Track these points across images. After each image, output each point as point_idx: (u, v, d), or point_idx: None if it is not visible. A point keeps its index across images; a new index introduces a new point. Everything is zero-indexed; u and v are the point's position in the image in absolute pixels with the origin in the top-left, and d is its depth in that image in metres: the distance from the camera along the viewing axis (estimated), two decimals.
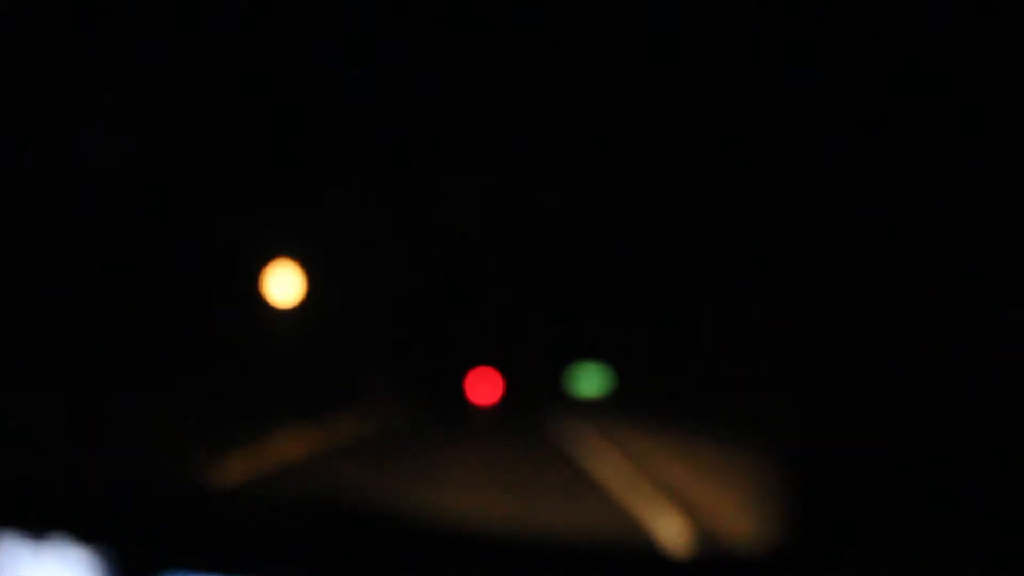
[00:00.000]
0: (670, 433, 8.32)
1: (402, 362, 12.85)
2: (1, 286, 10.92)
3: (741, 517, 4.93)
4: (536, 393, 12.01)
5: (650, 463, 7.41)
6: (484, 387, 12.30)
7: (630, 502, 5.75)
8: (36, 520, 1.08)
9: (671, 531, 4.81)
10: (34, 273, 11.37)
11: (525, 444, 9.02)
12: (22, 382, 9.26)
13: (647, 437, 8.53)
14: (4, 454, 1.27)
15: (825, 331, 1.89)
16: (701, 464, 6.83)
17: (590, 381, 12.31)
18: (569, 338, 12.32)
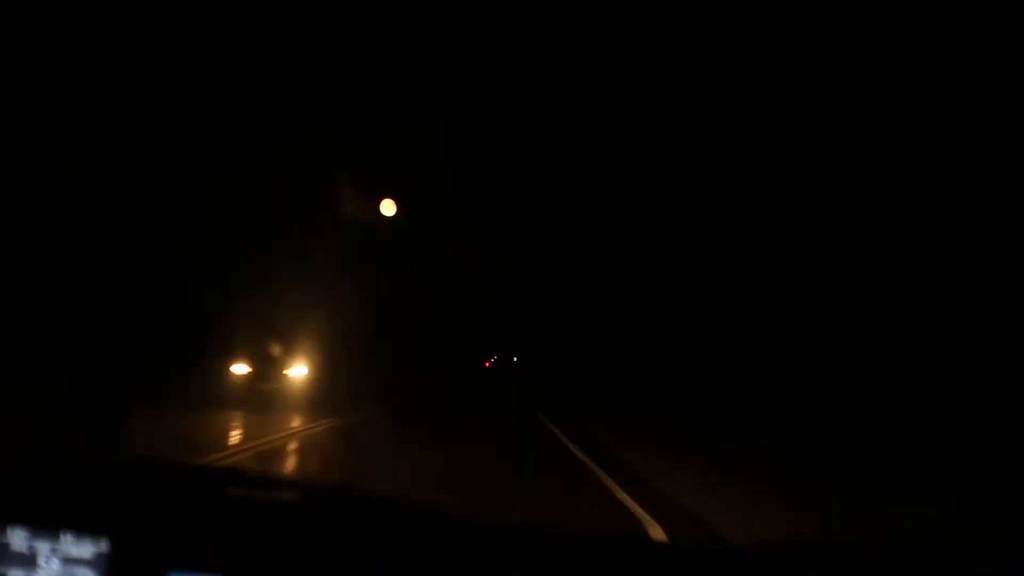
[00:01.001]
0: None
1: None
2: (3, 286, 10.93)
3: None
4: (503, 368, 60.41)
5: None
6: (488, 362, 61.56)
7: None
8: (43, 518, 1.09)
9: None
10: (27, 272, 11.32)
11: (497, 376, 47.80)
12: (25, 378, 9.24)
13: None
14: (10, 452, 1.26)
15: None
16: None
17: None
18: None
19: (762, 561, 1.06)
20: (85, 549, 1.06)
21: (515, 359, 64.50)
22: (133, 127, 12.88)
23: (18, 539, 1.08)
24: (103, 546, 1.06)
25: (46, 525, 1.07)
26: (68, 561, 1.06)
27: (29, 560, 1.07)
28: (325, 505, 1.21)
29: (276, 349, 14.41)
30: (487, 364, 63.11)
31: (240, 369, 13.94)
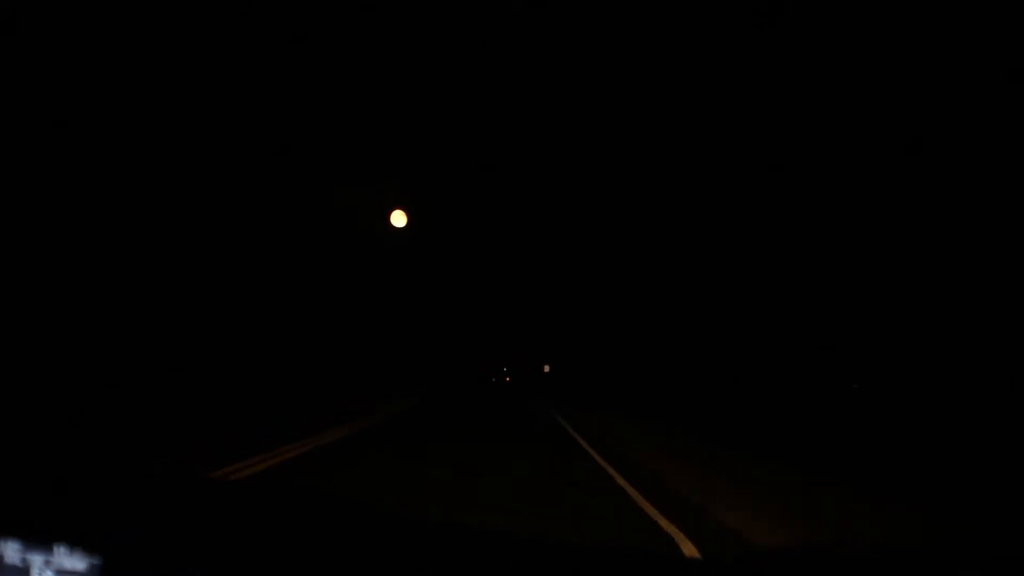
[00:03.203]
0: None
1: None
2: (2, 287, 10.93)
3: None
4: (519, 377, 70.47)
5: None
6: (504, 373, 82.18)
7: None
8: (37, 530, 1.08)
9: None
10: (27, 279, 11.37)
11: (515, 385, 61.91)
12: (21, 390, 9.24)
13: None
14: (3, 464, 1.26)
15: None
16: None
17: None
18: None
19: (752, 570, 1.05)
20: (79, 562, 1.06)
21: (546, 368, 51.41)
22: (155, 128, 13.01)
23: (12, 551, 1.07)
24: (97, 558, 1.05)
25: (40, 537, 1.07)
26: (62, 573, 1.06)
27: (23, 573, 1.06)
28: (320, 515, 1.21)
29: None
30: (492, 379, 48.24)
31: None
